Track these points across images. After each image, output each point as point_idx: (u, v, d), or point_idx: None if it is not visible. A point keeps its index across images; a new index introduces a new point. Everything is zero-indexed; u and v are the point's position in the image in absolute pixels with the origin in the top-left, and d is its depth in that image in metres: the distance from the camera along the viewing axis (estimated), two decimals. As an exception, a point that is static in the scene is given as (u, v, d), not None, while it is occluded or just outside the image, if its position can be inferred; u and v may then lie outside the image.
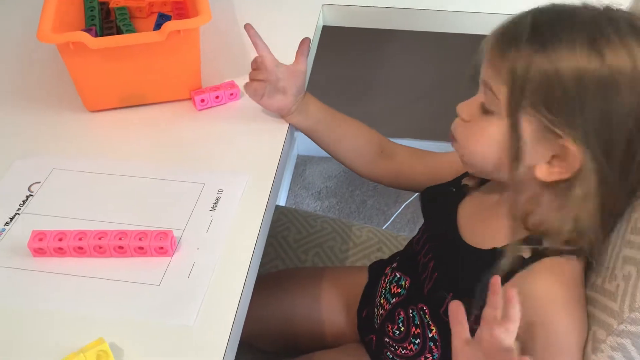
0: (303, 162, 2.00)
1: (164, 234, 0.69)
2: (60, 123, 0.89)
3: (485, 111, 0.66)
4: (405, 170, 0.91)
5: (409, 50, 1.76)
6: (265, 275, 1.02)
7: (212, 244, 0.71)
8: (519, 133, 0.63)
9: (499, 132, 0.64)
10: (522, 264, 0.65)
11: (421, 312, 0.76)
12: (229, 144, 0.86)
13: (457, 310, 0.60)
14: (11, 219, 0.74)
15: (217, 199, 0.76)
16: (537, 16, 0.63)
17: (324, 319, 0.95)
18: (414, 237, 0.86)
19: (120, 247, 0.68)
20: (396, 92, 1.84)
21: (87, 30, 0.95)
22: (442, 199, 0.80)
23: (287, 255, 1.11)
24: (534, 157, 0.64)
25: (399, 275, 0.84)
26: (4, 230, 0.72)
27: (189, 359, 0.60)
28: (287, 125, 0.88)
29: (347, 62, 1.80)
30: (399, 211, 1.83)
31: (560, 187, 0.64)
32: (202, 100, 0.90)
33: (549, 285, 0.64)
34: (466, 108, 0.70)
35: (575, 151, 0.61)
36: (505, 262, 0.65)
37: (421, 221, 0.85)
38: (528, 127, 0.62)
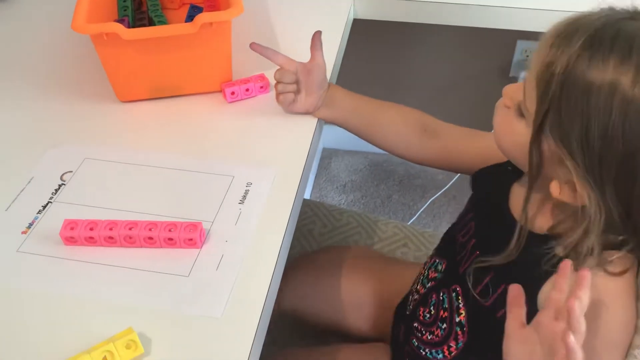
0: (328, 155, 1.99)
1: (193, 226, 0.69)
2: (92, 113, 0.90)
3: (520, 112, 0.63)
4: (454, 150, 0.86)
5: (439, 44, 1.74)
6: (319, 251, 1.04)
7: (241, 236, 0.71)
8: (540, 151, 0.60)
9: (525, 139, 0.61)
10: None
11: (453, 294, 0.74)
12: (258, 136, 0.86)
13: (517, 293, 0.57)
14: (44, 207, 0.75)
15: (246, 192, 0.76)
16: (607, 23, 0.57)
17: (363, 302, 0.95)
18: (454, 223, 0.83)
19: (150, 238, 0.69)
20: (425, 86, 1.82)
21: (120, 21, 0.95)
22: (496, 178, 0.76)
23: (312, 248, 1.11)
24: (552, 173, 0.61)
25: (437, 260, 0.82)
26: (36, 218, 0.74)
27: (216, 350, 0.60)
28: (315, 119, 0.88)
29: (376, 55, 1.79)
30: (424, 207, 1.81)
31: (571, 208, 0.61)
32: (233, 93, 0.90)
33: (605, 276, 0.60)
34: (511, 94, 0.65)
35: (581, 192, 0.58)
36: (558, 249, 0.62)
37: (447, 217, 0.84)
38: (548, 149, 0.60)
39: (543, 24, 0.63)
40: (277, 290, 0.69)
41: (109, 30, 0.80)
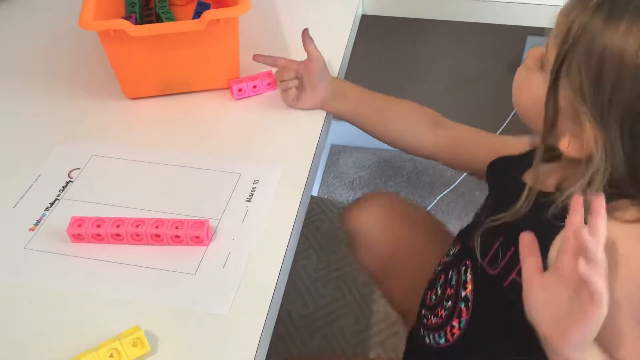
0: (337, 152, 1.99)
1: (200, 224, 0.69)
2: (99, 110, 0.90)
3: (541, 65, 0.64)
4: (465, 145, 0.87)
5: (447, 40, 1.73)
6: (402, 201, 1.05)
7: (248, 234, 0.70)
8: (556, 100, 0.61)
9: (542, 92, 0.62)
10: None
11: (462, 268, 0.74)
12: (266, 134, 0.85)
13: (530, 241, 0.54)
14: (51, 204, 0.75)
15: (253, 190, 0.76)
16: None
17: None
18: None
19: (157, 235, 0.69)
20: (434, 83, 1.81)
21: (127, 17, 0.95)
22: (513, 163, 0.75)
23: (320, 245, 1.10)
24: (564, 128, 0.62)
25: (451, 247, 0.82)
26: (44, 215, 0.74)
27: (223, 348, 0.60)
28: (323, 116, 0.87)
29: (384, 51, 1.78)
30: (433, 204, 1.81)
31: (578, 164, 0.61)
32: (240, 90, 0.89)
33: (618, 224, 0.58)
34: (533, 54, 0.66)
35: (590, 135, 0.58)
36: (562, 200, 0.60)
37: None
38: (564, 98, 0.61)
39: (554, 20, 0.63)
40: (284, 288, 0.69)
41: (116, 27, 0.80)
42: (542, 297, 0.54)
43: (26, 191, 0.77)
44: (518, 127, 0.75)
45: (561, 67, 0.60)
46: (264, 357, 0.62)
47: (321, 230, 1.12)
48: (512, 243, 0.65)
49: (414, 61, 1.79)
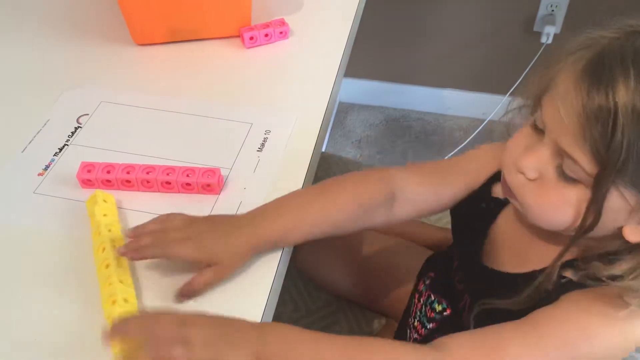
0: (344, 110, 1.97)
1: (212, 172, 0.68)
2: (108, 56, 0.88)
3: (565, 177, 0.55)
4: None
5: (461, -3, 1.70)
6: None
7: (259, 184, 0.70)
8: (601, 206, 0.53)
9: (583, 200, 0.54)
10: (571, 286, 0.57)
11: None
12: (277, 84, 0.84)
13: None
14: (60, 149, 0.74)
15: (265, 140, 0.75)
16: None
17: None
18: (450, 247, 0.78)
19: (168, 183, 0.68)
20: (448, 39, 1.78)
21: (137, -39, 0.92)
22: (472, 221, 0.70)
23: (328, 201, 1.09)
24: (623, 219, 0.55)
25: (433, 298, 0.77)
26: (53, 160, 0.73)
27: (234, 297, 0.60)
28: (337, 66, 0.85)
29: (397, 7, 1.74)
30: (440, 163, 1.79)
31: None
32: (251, 38, 0.87)
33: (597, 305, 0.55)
34: (533, 165, 0.57)
35: None
36: (547, 285, 0.57)
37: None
38: (619, 198, 0.53)
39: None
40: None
41: (126, -32, 0.78)
42: None
43: (34, 136, 0.76)
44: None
45: (621, 173, 0.50)
46: (272, 314, 0.62)
47: (329, 186, 1.11)
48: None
49: (428, 17, 1.75)
